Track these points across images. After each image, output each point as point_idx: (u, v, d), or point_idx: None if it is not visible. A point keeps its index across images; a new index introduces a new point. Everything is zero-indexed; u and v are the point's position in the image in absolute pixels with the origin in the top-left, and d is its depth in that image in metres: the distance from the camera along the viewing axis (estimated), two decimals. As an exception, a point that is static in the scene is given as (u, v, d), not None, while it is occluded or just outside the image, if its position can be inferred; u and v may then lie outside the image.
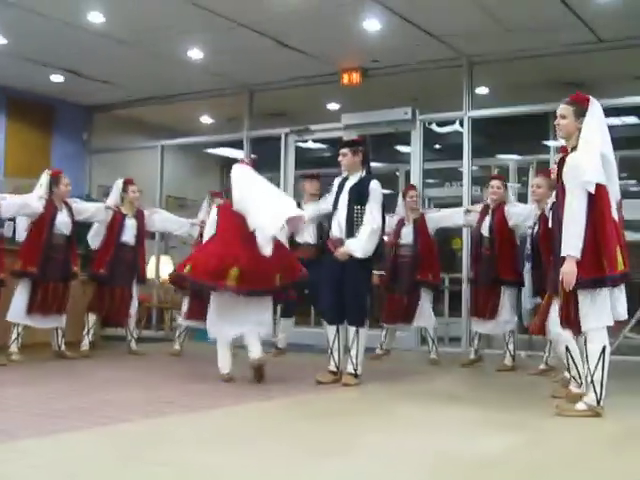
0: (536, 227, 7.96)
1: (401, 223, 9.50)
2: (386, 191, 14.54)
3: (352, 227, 7.35)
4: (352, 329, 7.36)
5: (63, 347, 9.08)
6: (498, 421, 5.58)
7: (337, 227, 7.47)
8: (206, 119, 15.03)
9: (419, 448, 4.58)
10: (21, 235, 9.00)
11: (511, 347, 8.89)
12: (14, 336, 8.74)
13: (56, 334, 9.07)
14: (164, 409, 5.78)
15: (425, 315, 9.43)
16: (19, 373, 7.79)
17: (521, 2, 9.05)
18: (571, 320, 5.68)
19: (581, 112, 5.85)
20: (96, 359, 9.18)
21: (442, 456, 4.37)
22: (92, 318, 9.56)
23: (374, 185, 7.46)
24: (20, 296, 8.68)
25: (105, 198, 10.39)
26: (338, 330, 7.46)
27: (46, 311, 8.82)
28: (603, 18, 9.44)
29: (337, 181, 7.73)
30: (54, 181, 8.98)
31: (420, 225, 9.42)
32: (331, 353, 7.45)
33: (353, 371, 7.30)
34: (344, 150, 7.63)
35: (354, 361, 7.31)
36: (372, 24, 9.95)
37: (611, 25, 9.65)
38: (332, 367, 7.43)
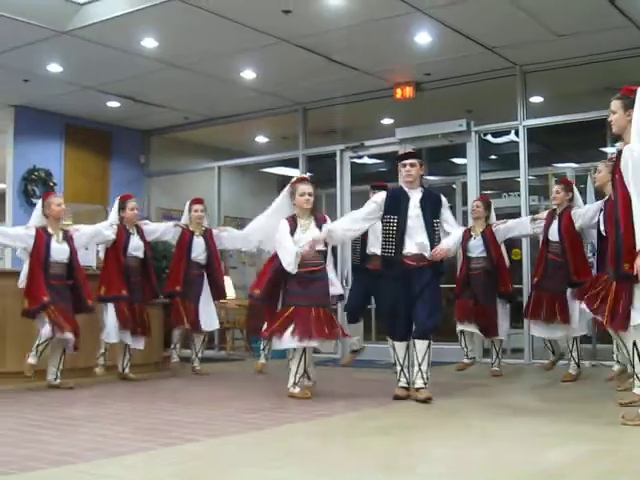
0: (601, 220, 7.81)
1: (467, 235, 9.41)
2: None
3: (434, 242, 7.23)
4: (423, 343, 7.17)
5: (127, 370, 9.18)
6: (566, 432, 5.51)
7: (412, 243, 7.21)
8: (261, 138, 15.12)
9: (486, 461, 4.54)
10: (84, 261, 9.16)
11: (575, 355, 8.74)
12: (127, 357, 9.20)
13: (123, 356, 9.19)
14: (229, 428, 5.79)
15: (503, 327, 9.38)
16: (85, 395, 7.88)
17: (571, 8, 8.97)
18: (618, 315, 5.60)
19: (629, 104, 5.74)
20: (162, 380, 9.27)
21: (509, 469, 4.33)
22: (177, 333, 9.76)
23: (443, 197, 7.49)
24: (111, 318, 8.91)
25: (164, 220, 10.56)
26: (408, 346, 7.34)
27: (134, 331, 9.03)
28: (657, 21, 9.34)
29: (387, 195, 7.40)
30: (121, 206, 9.16)
31: (489, 236, 9.33)
32: (402, 370, 7.31)
33: (424, 385, 7.13)
34: (413, 160, 7.39)
35: (424, 375, 7.14)
36: (423, 37, 9.94)
37: (665, 28, 9.54)
38: (404, 383, 7.29)
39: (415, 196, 7.30)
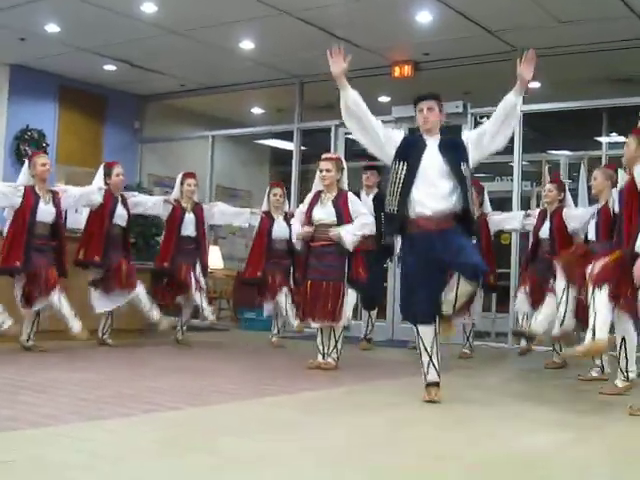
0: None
1: None
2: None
3: (465, 194, 5.87)
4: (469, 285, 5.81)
5: (107, 335, 9.21)
6: (547, 418, 5.53)
7: (430, 198, 5.84)
8: (257, 110, 15.08)
9: (465, 443, 4.55)
10: (75, 223, 9.15)
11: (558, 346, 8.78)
12: (109, 324, 9.20)
13: (105, 321, 9.22)
14: (211, 397, 5.81)
15: (477, 312, 9.44)
16: (64, 358, 7.88)
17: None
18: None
19: None
20: (144, 347, 9.29)
21: (487, 453, 4.34)
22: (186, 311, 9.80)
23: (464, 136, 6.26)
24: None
25: (156, 187, 10.56)
26: (436, 332, 5.95)
27: (119, 289, 8.98)
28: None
29: (403, 137, 6.23)
30: (107, 172, 9.12)
31: (482, 226, 9.25)
32: (430, 361, 5.92)
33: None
34: (431, 103, 6.20)
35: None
36: (424, 16, 9.92)
37: (667, 20, 9.53)
38: (434, 377, 5.94)
39: (433, 143, 6.06)
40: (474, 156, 6.08)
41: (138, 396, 5.66)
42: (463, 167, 5.89)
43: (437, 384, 5.91)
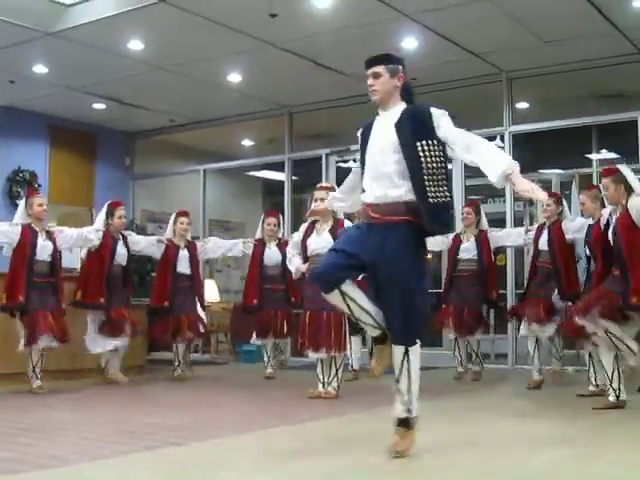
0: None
1: (457, 240, 9.55)
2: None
3: (421, 174, 4.68)
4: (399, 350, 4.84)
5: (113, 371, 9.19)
6: (548, 436, 5.51)
7: (376, 185, 4.86)
8: (247, 142, 15.11)
9: (470, 466, 4.53)
10: (68, 263, 9.15)
11: (554, 351, 8.96)
12: (104, 363, 9.16)
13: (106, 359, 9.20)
14: (212, 431, 5.79)
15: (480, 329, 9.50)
16: (64, 398, 7.86)
17: (558, 14, 8.98)
18: None
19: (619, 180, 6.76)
20: (144, 384, 9.26)
21: (494, 474, 4.33)
22: (181, 348, 9.73)
23: (434, 108, 4.97)
24: (92, 326, 8.91)
25: (149, 223, 10.59)
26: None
27: (116, 334, 8.96)
28: (641, 29, 9.39)
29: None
30: (110, 212, 9.17)
31: (483, 242, 9.44)
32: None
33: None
34: (377, 69, 5.07)
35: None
36: (410, 42, 9.96)
37: (650, 36, 9.59)
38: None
39: (384, 119, 5.01)
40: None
41: (139, 433, 5.64)
42: (421, 145, 4.69)
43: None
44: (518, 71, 10.95)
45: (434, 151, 4.70)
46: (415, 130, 4.77)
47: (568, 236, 8.59)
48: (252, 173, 15.90)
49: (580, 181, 11.45)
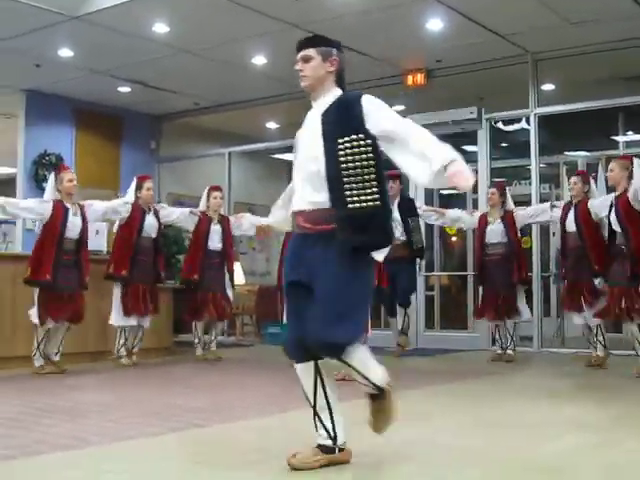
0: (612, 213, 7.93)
1: (484, 221, 9.56)
2: (454, 192, 14.61)
3: (339, 174, 3.99)
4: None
5: (136, 349, 9.22)
6: (572, 421, 5.50)
7: (300, 185, 4.28)
8: (272, 124, 15.11)
9: (486, 450, 4.53)
10: (96, 245, 9.21)
11: (601, 339, 8.73)
12: (122, 340, 9.06)
13: (135, 334, 9.27)
14: (239, 413, 5.81)
15: (526, 311, 9.52)
16: (91, 380, 7.91)
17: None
18: None
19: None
20: (171, 365, 9.32)
21: (507, 459, 4.32)
22: (199, 325, 9.78)
23: (367, 96, 4.26)
24: (116, 300, 8.93)
25: (176, 205, 10.66)
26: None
27: (138, 312, 9.03)
28: (670, 9, 9.30)
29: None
30: (139, 185, 9.25)
31: (509, 222, 9.46)
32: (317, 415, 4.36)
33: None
34: (307, 52, 4.59)
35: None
36: (435, 24, 9.92)
37: (678, 17, 9.49)
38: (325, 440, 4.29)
39: (315, 109, 4.44)
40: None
41: (163, 414, 5.68)
42: (343, 140, 4.01)
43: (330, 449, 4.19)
44: (544, 52, 10.87)
45: (359, 147, 3.95)
46: (339, 122, 4.10)
47: (594, 214, 8.59)
48: (277, 156, 15.89)
49: (607, 163, 11.38)
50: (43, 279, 8.03)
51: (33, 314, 8.07)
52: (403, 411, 5.92)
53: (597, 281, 8.53)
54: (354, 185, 3.92)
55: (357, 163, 3.94)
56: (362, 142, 3.96)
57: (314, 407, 4.23)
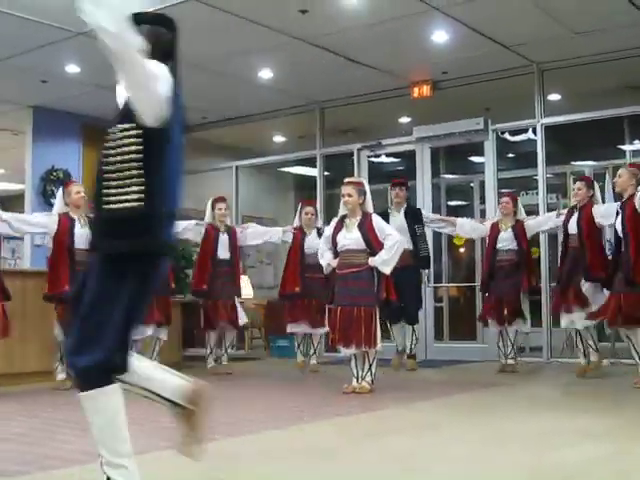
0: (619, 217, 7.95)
1: (496, 229, 9.58)
2: (461, 203, 14.62)
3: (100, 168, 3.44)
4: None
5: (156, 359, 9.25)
6: (583, 430, 5.49)
7: None
8: (279, 138, 15.14)
9: (503, 460, 4.53)
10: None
11: (591, 342, 8.76)
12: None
13: (152, 347, 9.35)
14: (247, 427, 5.81)
15: (528, 321, 9.52)
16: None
17: (589, 6, 8.95)
18: None
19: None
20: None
21: (526, 468, 4.32)
22: (213, 335, 9.83)
23: None
24: None
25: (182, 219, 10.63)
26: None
27: (152, 322, 9.04)
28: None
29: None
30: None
31: (520, 231, 9.49)
32: None
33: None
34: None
35: None
36: (440, 36, 9.94)
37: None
38: None
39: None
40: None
41: (172, 429, 5.67)
42: (109, 133, 3.69)
43: None
44: (549, 63, 10.88)
45: (128, 137, 3.51)
46: (118, 110, 3.71)
47: (597, 219, 8.62)
48: (284, 169, 15.92)
49: (613, 173, 11.38)
50: (62, 291, 8.00)
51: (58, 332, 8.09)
52: (411, 422, 5.95)
53: (585, 287, 8.60)
54: (113, 182, 3.44)
55: (118, 157, 3.48)
56: (133, 132, 3.50)
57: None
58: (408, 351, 9.95)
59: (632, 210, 7.70)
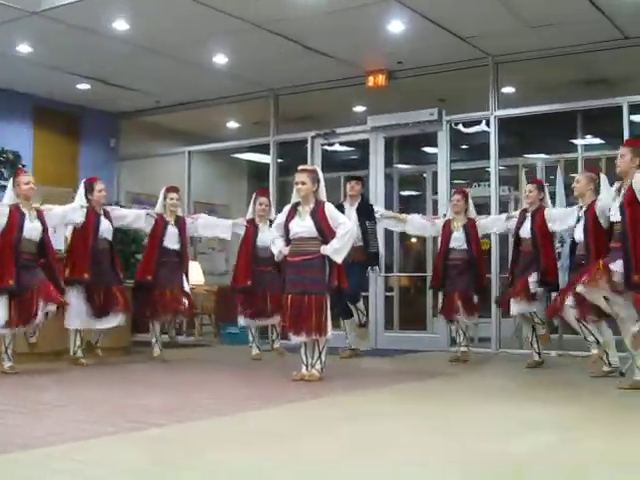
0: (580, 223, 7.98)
1: (448, 227, 9.62)
2: (413, 193, 14.67)
3: None
4: None
5: (99, 351, 9.21)
6: (535, 419, 5.53)
7: None
8: (232, 124, 15.06)
9: (453, 448, 4.55)
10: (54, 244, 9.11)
11: (535, 345, 8.92)
12: (78, 342, 9.02)
13: (99, 338, 9.25)
14: (194, 413, 5.78)
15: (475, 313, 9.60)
16: (51, 379, 7.84)
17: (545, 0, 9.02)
18: None
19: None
20: (128, 365, 9.26)
21: (476, 457, 4.34)
22: (157, 325, 9.72)
23: None
24: (75, 302, 8.83)
25: (134, 204, 10.56)
26: None
27: (102, 314, 8.98)
28: (628, 15, 9.39)
29: None
30: (88, 188, 9.11)
31: (472, 230, 9.53)
32: None
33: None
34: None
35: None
36: (396, 26, 9.94)
37: (636, 22, 9.58)
38: None
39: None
40: None
41: (122, 414, 5.63)
42: None
43: None
44: (504, 55, 10.94)
45: None
46: None
47: (551, 226, 8.72)
48: (237, 155, 15.88)
49: (565, 166, 11.49)
50: (6, 285, 7.92)
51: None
52: (362, 409, 5.96)
53: (534, 286, 8.70)
54: None
55: None
56: None
57: None
58: (357, 322, 10.01)
59: (592, 219, 7.67)
